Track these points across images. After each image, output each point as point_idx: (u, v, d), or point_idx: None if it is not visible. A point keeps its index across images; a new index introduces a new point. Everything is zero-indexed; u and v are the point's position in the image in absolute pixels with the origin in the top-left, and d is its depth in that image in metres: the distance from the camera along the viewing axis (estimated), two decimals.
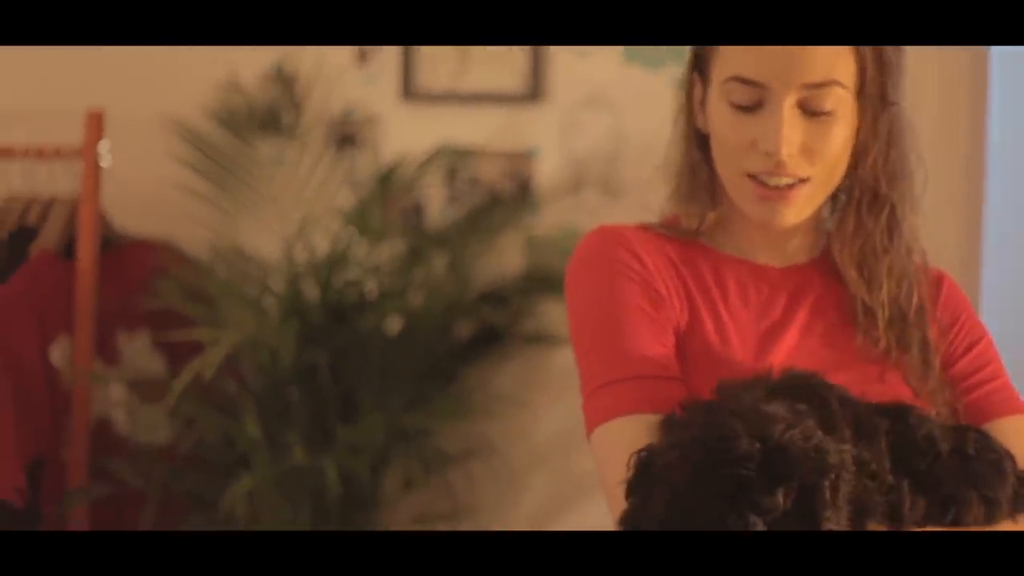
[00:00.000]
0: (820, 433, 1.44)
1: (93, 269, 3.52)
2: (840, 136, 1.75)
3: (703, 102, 1.82)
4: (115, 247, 3.68)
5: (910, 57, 1.77)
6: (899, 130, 1.79)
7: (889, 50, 1.76)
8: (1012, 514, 1.65)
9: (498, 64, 3.79)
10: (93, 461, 3.51)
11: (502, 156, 3.81)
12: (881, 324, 1.80)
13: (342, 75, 3.86)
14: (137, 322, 3.67)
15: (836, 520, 1.43)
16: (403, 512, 3.71)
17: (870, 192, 1.80)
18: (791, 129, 1.71)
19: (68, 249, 3.57)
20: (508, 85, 3.79)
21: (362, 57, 3.88)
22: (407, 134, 3.84)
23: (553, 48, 3.76)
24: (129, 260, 3.69)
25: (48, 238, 3.57)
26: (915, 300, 1.81)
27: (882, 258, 1.81)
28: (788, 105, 1.71)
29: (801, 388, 1.55)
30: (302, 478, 3.43)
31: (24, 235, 3.58)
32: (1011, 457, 1.65)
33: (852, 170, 1.79)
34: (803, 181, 1.75)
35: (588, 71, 3.75)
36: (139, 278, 3.63)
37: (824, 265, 1.85)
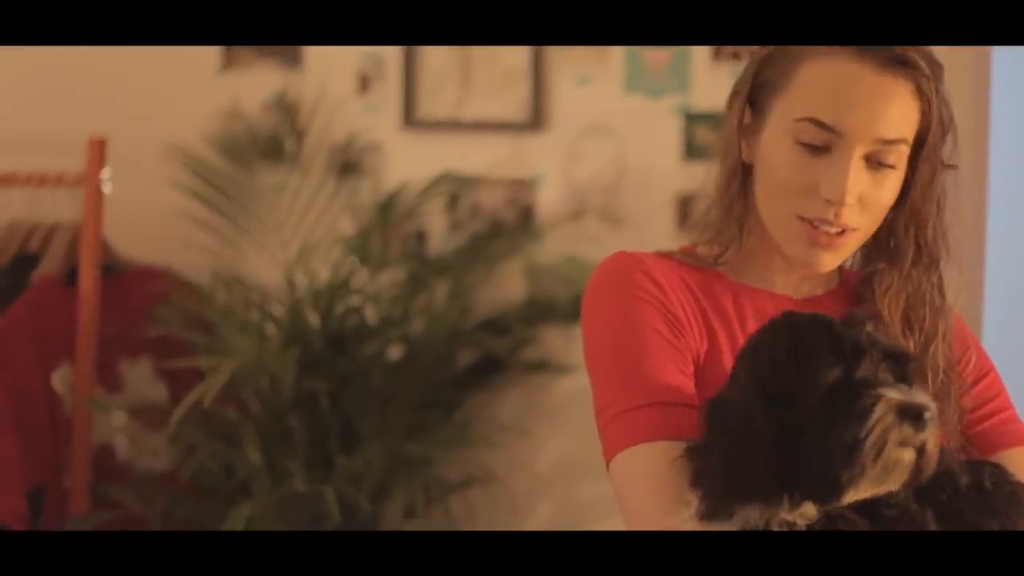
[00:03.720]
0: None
1: (95, 296, 3.52)
2: (893, 190, 1.76)
3: (751, 133, 1.80)
4: (117, 274, 3.68)
5: None
6: (948, 192, 1.81)
7: (948, 111, 1.77)
8: None
9: (500, 93, 3.80)
10: (94, 487, 3.51)
11: (503, 184, 3.82)
12: (930, 379, 1.78)
13: (344, 103, 3.86)
14: (139, 349, 3.66)
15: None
16: None
17: (928, 255, 1.81)
18: (856, 180, 1.72)
19: (70, 276, 3.57)
20: (510, 113, 3.80)
21: (364, 86, 3.89)
22: (408, 162, 3.84)
23: (554, 77, 3.77)
24: (131, 287, 3.69)
25: (50, 265, 3.57)
26: (953, 352, 1.83)
27: (939, 316, 1.81)
28: (857, 156, 1.71)
29: None
30: (302, 506, 3.42)
31: (26, 262, 3.59)
32: None
33: (911, 230, 1.80)
34: (853, 231, 1.75)
35: (589, 100, 3.76)
36: (141, 305, 3.62)
37: (840, 296, 1.85)
